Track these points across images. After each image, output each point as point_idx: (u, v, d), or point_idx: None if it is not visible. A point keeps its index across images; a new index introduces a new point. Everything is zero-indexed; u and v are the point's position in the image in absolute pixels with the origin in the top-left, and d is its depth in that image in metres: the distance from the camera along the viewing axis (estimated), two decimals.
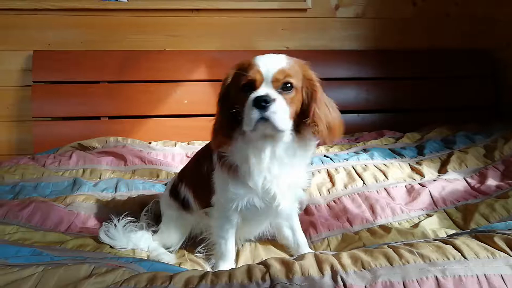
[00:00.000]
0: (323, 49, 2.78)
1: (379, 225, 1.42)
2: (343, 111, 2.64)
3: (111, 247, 1.30)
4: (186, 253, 1.35)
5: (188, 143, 2.40)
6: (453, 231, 1.32)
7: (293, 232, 1.33)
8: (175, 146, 2.35)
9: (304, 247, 1.32)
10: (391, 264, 0.94)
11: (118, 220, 1.35)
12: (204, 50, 2.65)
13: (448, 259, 0.95)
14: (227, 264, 1.24)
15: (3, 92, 2.54)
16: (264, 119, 1.01)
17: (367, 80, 2.75)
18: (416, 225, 1.39)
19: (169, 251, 1.36)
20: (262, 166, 1.11)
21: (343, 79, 2.74)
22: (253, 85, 1.04)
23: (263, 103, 1.00)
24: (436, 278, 0.90)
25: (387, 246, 1.04)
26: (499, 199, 1.47)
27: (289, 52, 2.64)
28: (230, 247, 1.25)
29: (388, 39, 2.83)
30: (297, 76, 1.07)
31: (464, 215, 1.43)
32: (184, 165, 2.16)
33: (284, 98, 1.04)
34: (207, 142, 2.22)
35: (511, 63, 2.75)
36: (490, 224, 1.34)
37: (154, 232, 1.42)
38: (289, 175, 1.15)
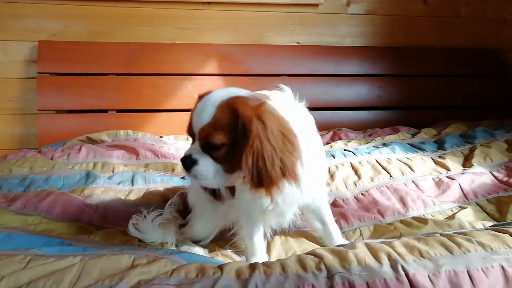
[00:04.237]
0: (335, 45, 2.76)
1: (412, 217, 1.39)
2: (355, 108, 2.70)
3: (139, 240, 1.24)
4: (216, 247, 1.29)
5: None
6: (491, 223, 1.29)
7: (324, 224, 1.27)
8: (187, 140, 2.28)
9: (338, 238, 1.27)
10: (451, 253, 0.91)
11: (148, 212, 1.28)
12: (215, 44, 2.60)
13: (510, 247, 0.92)
14: (258, 258, 1.19)
15: (6, 83, 2.44)
16: None
17: (379, 76, 2.73)
18: (451, 217, 1.37)
19: (199, 245, 1.30)
20: None
21: (355, 75, 2.72)
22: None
23: (186, 164, 0.96)
24: (502, 267, 0.87)
25: (440, 235, 1.01)
26: None
27: (300, 48, 2.67)
28: (257, 240, 1.19)
29: (399, 36, 2.81)
30: (226, 129, 0.92)
31: (498, 208, 1.41)
32: None
33: (212, 156, 0.94)
34: None
35: None
36: None
37: (181, 226, 1.36)
38: None
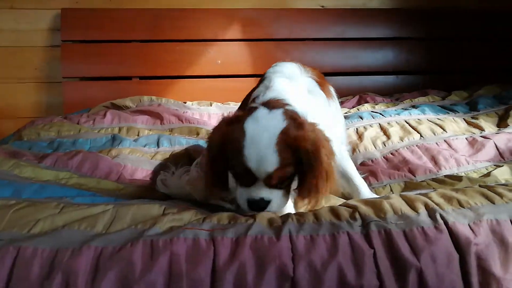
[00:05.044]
0: (361, 8, 2.66)
1: (444, 176, 1.34)
2: (382, 73, 2.61)
3: (167, 196, 1.24)
4: None
5: (223, 103, 2.32)
6: None
7: (349, 179, 1.23)
8: (211, 106, 2.27)
9: (366, 192, 1.23)
10: (493, 203, 0.87)
11: (176, 169, 1.28)
12: (238, 9, 2.54)
13: None
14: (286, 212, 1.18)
15: (31, 52, 2.45)
16: None
17: (407, 40, 2.63)
18: (487, 175, 1.31)
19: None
20: None
21: (382, 39, 2.63)
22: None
23: (260, 207, 0.92)
24: None
25: (479, 186, 0.97)
26: None
27: (325, 12, 2.59)
28: None
29: None
30: (291, 165, 0.91)
31: None
32: None
33: (282, 189, 0.94)
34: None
35: None
36: None
37: None
38: None
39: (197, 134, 1.94)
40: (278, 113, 0.93)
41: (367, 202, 0.92)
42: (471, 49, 2.66)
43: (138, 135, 1.89)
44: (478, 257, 0.78)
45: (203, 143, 1.78)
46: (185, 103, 2.30)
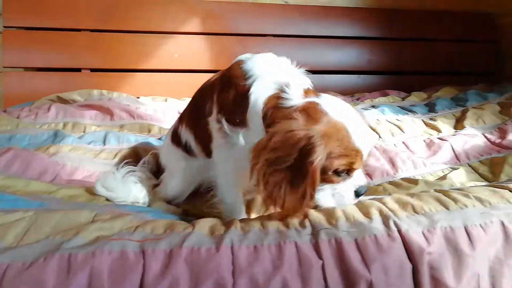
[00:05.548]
0: (325, 5, 2.61)
1: (401, 178, 1.31)
2: (343, 72, 2.59)
3: (107, 200, 1.13)
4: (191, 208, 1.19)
5: (180, 99, 2.21)
6: (484, 184, 1.22)
7: None
8: (166, 101, 2.16)
9: None
10: (447, 208, 0.83)
11: (117, 169, 1.17)
12: (199, 0, 2.44)
13: (510, 203, 0.84)
14: (237, 218, 1.10)
15: None
16: None
17: (370, 40, 2.63)
18: (443, 178, 1.29)
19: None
20: None
21: (345, 38, 2.61)
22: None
23: (361, 192, 0.89)
24: (502, 223, 0.79)
25: (434, 191, 0.93)
26: None
27: (288, 7, 2.52)
28: (236, 199, 1.09)
29: None
30: None
31: (491, 169, 1.35)
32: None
33: None
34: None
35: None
36: None
37: (154, 186, 1.26)
38: None
39: (149, 131, 1.83)
40: (333, 98, 0.91)
41: (320, 209, 0.86)
42: (432, 50, 2.69)
43: (84, 132, 1.76)
44: (431, 267, 0.74)
45: (153, 140, 1.67)
46: (138, 98, 2.17)
